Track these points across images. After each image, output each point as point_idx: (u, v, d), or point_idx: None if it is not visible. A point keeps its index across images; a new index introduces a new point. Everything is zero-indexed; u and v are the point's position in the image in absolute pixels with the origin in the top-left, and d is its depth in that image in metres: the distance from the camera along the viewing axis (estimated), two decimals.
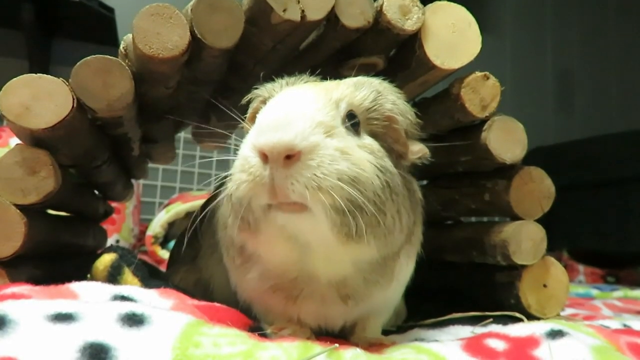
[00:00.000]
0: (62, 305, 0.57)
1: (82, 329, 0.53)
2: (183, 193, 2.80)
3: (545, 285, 0.99)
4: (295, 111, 0.64)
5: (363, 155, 0.66)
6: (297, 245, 0.66)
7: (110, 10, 2.53)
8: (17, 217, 0.78)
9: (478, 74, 0.93)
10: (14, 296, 0.63)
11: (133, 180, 1.59)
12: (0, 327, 0.51)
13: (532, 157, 0.99)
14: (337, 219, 0.62)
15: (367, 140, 0.70)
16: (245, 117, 0.80)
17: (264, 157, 0.61)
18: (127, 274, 0.91)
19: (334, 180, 0.61)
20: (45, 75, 0.79)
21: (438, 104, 0.99)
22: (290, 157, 0.60)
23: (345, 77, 0.79)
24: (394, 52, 1.01)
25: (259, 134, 0.62)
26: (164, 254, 2.36)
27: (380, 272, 0.74)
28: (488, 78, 0.94)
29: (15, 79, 0.78)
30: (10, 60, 2.65)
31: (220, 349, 0.55)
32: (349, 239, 0.64)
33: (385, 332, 0.88)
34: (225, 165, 0.71)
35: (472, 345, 0.68)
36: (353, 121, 0.70)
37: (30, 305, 0.57)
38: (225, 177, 0.70)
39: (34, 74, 0.79)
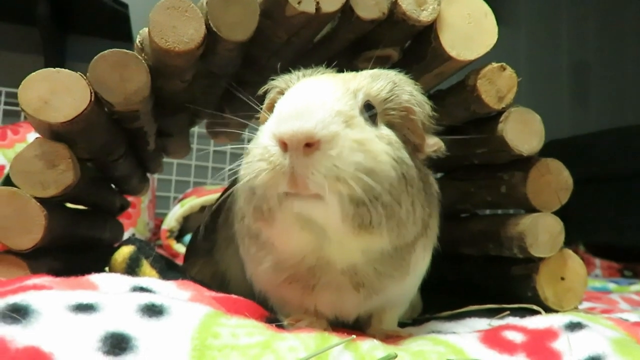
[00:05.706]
0: (83, 296, 0.58)
1: (103, 319, 0.54)
2: (197, 187, 2.82)
3: (562, 278, 0.98)
4: (315, 100, 0.63)
5: (381, 147, 0.65)
6: (313, 233, 0.66)
7: (124, 5, 2.55)
8: (38, 210, 0.79)
9: (494, 65, 0.92)
10: (36, 287, 0.64)
11: (148, 175, 1.60)
12: (24, 317, 0.52)
13: (548, 150, 0.97)
14: (351, 209, 0.62)
15: (385, 131, 0.70)
16: (261, 108, 0.80)
17: (284, 145, 0.61)
18: (145, 265, 0.91)
19: (352, 171, 0.61)
20: (63, 69, 0.80)
21: (454, 96, 0.99)
22: (310, 145, 0.60)
23: (360, 69, 0.79)
24: (409, 44, 1.00)
25: (279, 122, 0.62)
26: (179, 248, 2.38)
27: (393, 264, 0.73)
28: (504, 69, 0.93)
29: (33, 73, 0.79)
30: (26, 56, 2.68)
31: (238, 340, 0.55)
32: (361, 230, 0.64)
33: (401, 325, 0.87)
34: (238, 159, 0.71)
35: (490, 337, 0.68)
36: (370, 112, 0.70)
37: (52, 295, 0.58)
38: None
39: (52, 69, 0.80)
